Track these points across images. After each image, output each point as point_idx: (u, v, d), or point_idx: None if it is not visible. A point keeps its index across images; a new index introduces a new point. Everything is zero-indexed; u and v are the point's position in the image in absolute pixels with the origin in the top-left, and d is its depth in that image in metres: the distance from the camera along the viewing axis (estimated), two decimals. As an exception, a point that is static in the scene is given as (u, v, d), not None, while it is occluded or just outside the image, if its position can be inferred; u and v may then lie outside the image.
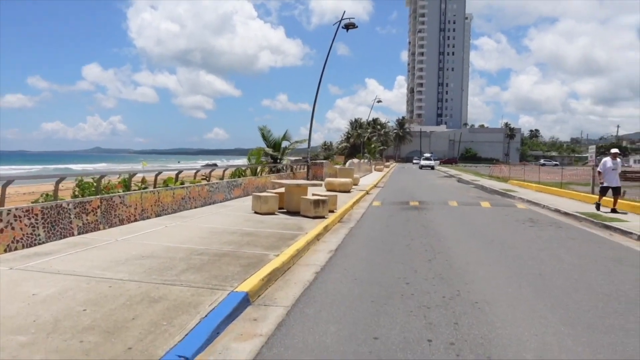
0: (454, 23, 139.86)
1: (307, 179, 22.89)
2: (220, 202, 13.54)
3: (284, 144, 22.92)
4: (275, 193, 12.11)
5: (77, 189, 8.71)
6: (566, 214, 12.80)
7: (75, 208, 7.65)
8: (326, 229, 9.74)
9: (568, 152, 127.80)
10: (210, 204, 12.79)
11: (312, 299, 5.10)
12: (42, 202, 7.76)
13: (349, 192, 19.08)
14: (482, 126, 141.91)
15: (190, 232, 8.38)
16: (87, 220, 7.90)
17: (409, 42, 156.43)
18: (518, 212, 13.61)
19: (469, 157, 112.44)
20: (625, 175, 29.39)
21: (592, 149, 16.88)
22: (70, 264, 5.83)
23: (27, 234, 6.64)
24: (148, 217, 9.75)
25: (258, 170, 17.97)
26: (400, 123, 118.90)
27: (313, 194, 12.61)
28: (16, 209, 6.53)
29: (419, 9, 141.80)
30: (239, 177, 15.75)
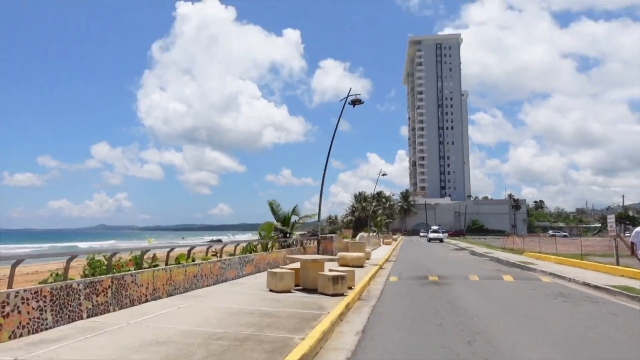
0: (451, 100, 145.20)
1: (318, 254, 22.31)
2: (233, 279, 12.98)
3: (293, 218, 22.63)
4: (290, 269, 11.61)
5: (87, 267, 8.29)
6: (597, 287, 12.14)
7: (85, 289, 7.21)
8: (348, 308, 9.15)
9: (575, 223, 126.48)
10: (222, 282, 12.24)
11: (351, 391, 4.53)
12: (51, 282, 7.33)
13: (362, 266, 18.45)
14: (486, 198, 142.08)
15: (206, 313, 7.83)
16: (97, 301, 7.42)
17: (409, 118, 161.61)
18: (544, 286, 12.94)
19: (476, 229, 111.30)
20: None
21: (612, 218, 16.45)
22: (80, 352, 5.30)
23: (34, 318, 6.16)
24: (159, 297, 9.21)
25: (269, 245, 17.50)
26: (405, 196, 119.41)
27: (329, 270, 12.08)
28: (24, 290, 6.11)
29: (416, 87, 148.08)
30: (250, 252, 15.28)
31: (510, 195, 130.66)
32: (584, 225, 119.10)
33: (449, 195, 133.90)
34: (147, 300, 8.78)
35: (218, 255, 14.07)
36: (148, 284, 8.89)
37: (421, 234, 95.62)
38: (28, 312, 6.09)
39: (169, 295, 9.60)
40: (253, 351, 5.51)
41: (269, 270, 11.17)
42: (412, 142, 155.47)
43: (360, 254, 19.36)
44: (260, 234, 18.22)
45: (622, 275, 14.16)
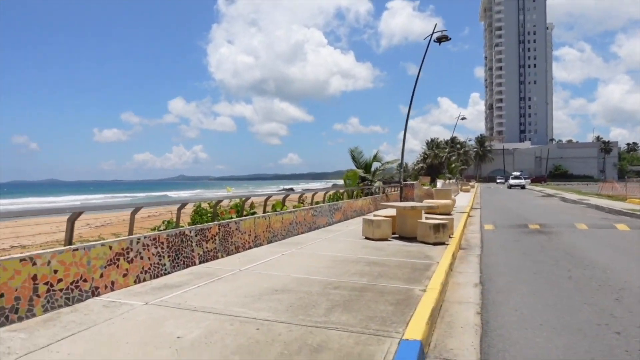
0: (534, 34, 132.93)
1: (400, 201, 21.76)
2: (324, 226, 12.86)
3: (375, 165, 22.06)
4: (386, 216, 11.19)
5: (195, 215, 8.39)
6: None
7: (196, 235, 7.26)
8: (454, 257, 8.62)
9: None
10: (315, 229, 12.15)
11: (502, 351, 4.05)
12: (164, 229, 7.46)
13: (449, 214, 17.67)
14: (570, 141, 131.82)
15: (312, 261, 7.67)
16: (207, 248, 7.48)
17: (485, 57, 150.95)
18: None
19: (559, 175, 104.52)
20: None
21: None
22: (205, 298, 5.27)
23: (154, 263, 6.26)
24: (260, 244, 9.23)
25: (354, 193, 17.19)
26: (480, 141, 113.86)
27: (426, 218, 11.52)
28: (145, 237, 6.19)
29: (494, 23, 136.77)
30: (337, 200, 15.04)
31: (598, 138, 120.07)
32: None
33: (529, 140, 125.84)
34: (249, 247, 8.80)
35: (307, 203, 13.96)
36: (250, 231, 8.88)
37: (498, 181, 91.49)
38: (149, 258, 6.19)
39: (269, 242, 9.61)
40: (377, 302, 5.18)
41: (365, 217, 10.83)
42: (488, 83, 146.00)
43: (448, 202, 18.53)
44: (345, 182, 17.91)
45: None
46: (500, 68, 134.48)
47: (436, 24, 20.72)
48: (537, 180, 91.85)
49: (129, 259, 5.85)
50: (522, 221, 15.29)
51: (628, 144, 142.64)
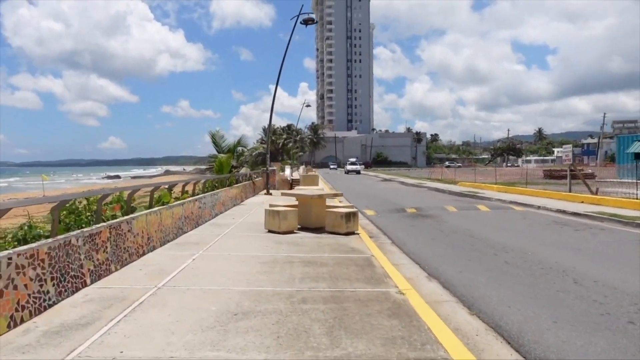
0: (360, 32, 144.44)
1: (267, 188, 20.85)
2: (209, 220, 11.21)
3: (238, 150, 20.65)
4: (290, 206, 10.17)
5: (70, 216, 6.07)
6: (578, 214, 12.49)
7: (85, 244, 5.19)
8: (378, 248, 8.13)
9: (466, 154, 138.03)
10: (202, 224, 10.45)
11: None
12: (17, 237, 5.18)
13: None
14: (387, 131, 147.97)
15: (237, 266, 6.26)
16: (98, 260, 5.45)
17: (317, 49, 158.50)
18: (530, 215, 13.11)
19: (380, 161, 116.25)
20: (552, 174, 31.42)
21: (569, 147, 17.20)
22: (144, 343, 3.59)
23: (34, 292, 4.16)
24: (154, 247, 7.33)
25: (229, 181, 15.58)
26: (314, 129, 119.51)
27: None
28: (16, 253, 4.05)
29: (325, 17, 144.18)
30: (213, 189, 13.34)
31: (408, 129, 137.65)
32: (474, 157, 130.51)
33: (356, 129, 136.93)
34: (144, 253, 6.88)
35: (188, 193, 11.97)
36: (143, 232, 6.94)
37: (331, 167, 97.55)
38: (26, 286, 4.08)
39: (162, 243, 7.73)
40: (372, 316, 4.25)
41: (269, 209, 9.62)
42: (320, 74, 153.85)
43: (321, 188, 18.33)
44: (216, 169, 16.10)
45: (582, 202, 14.94)
46: (331, 61, 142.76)
47: (302, 5, 20.14)
48: (364, 165, 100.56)
49: (-3, 292, 3.73)
50: (394, 205, 15.86)
51: (431, 135, 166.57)
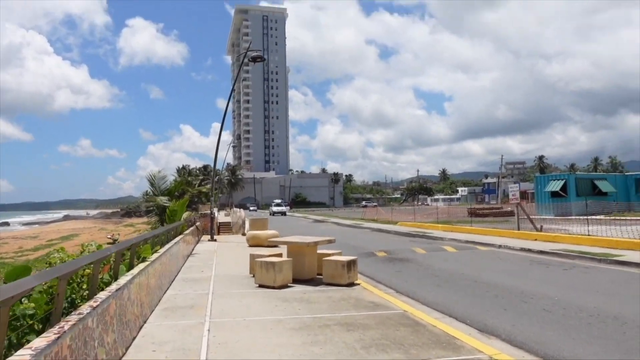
0: (277, 74, 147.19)
1: (212, 234, 19.25)
2: (176, 275, 9.70)
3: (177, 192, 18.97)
4: (275, 255, 9.12)
5: (73, 284, 4.50)
6: (545, 252, 12.82)
7: (98, 325, 3.86)
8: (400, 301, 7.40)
9: (380, 194, 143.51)
10: (174, 280, 8.97)
11: None
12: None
13: (277, 246, 16.42)
14: (303, 172, 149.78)
15: (274, 338, 5.17)
16: (108, 343, 4.09)
17: (233, 90, 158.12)
18: (501, 255, 13.23)
19: (299, 202, 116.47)
20: (476, 212, 33.23)
21: (515, 187, 18.07)
22: None
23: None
24: (146, 316, 5.91)
25: (181, 228, 13.93)
26: (232, 170, 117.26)
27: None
28: (38, 350, 2.73)
29: (242, 58, 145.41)
30: (169, 239, 11.72)
31: (323, 170, 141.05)
32: (388, 196, 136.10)
33: (273, 170, 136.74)
34: (141, 325, 5.47)
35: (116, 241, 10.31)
36: (137, 299, 5.54)
37: (250, 208, 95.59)
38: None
39: (151, 310, 6.30)
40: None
41: (261, 260, 8.47)
42: (236, 114, 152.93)
43: (273, 232, 17.26)
44: (167, 216, 14.31)
45: (536, 239, 15.54)
46: (248, 101, 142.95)
47: (250, 41, 19.67)
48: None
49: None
50: (358, 249, 15.25)
51: (346, 175, 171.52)
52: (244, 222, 23.88)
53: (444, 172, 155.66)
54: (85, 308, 3.85)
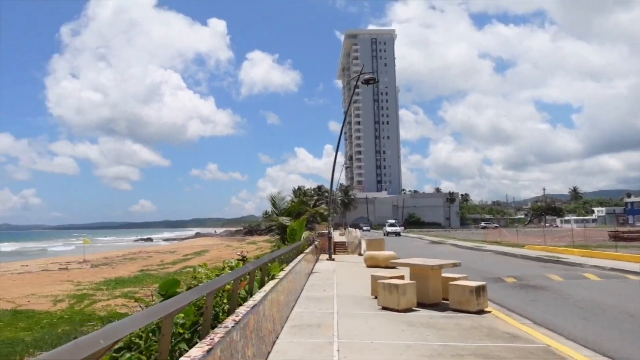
0: (387, 94, 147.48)
1: (330, 253, 19.62)
2: (300, 293, 10.00)
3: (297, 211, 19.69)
4: (396, 277, 8.93)
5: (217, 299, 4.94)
6: None
7: (240, 339, 4.08)
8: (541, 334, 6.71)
9: (501, 214, 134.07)
10: (299, 299, 9.26)
11: None
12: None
13: (395, 267, 16.08)
14: (416, 192, 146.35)
15: (403, 362, 4.99)
16: (249, 356, 4.30)
17: (345, 112, 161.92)
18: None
19: (413, 222, 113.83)
20: (621, 236, 29.21)
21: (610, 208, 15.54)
22: None
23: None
24: (278, 333, 6.15)
25: (302, 247, 14.46)
26: (345, 190, 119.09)
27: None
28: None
29: (352, 82, 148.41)
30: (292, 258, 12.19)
31: (437, 189, 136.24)
32: (510, 217, 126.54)
33: (385, 190, 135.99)
34: (274, 341, 5.70)
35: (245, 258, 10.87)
36: (271, 315, 5.80)
37: (364, 228, 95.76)
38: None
39: (282, 326, 6.54)
40: None
41: (384, 281, 8.37)
42: (348, 136, 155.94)
43: (391, 253, 17.00)
44: (289, 234, 15.01)
45: None
46: (359, 123, 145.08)
47: (363, 65, 20.00)
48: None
49: None
50: (483, 273, 14.29)
51: (462, 195, 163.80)
52: (360, 242, 23.91)
53: (575, 190, 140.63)
54: (229, 322, 4.10)
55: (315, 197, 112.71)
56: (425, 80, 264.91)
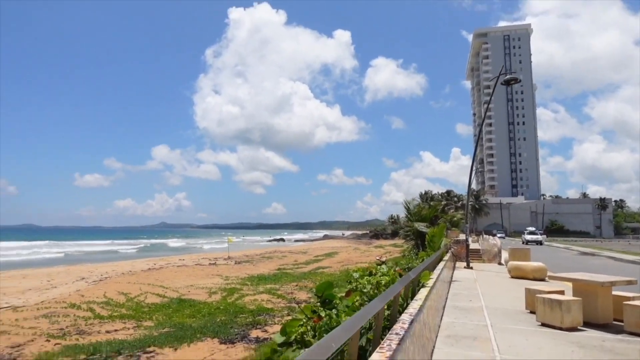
0: (522, 93, 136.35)
1: (468, 262, 18.76)
2: (444, 303, 9.72)
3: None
4: (557, 292, 8.17)
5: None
6: None
7: (410, 346, 4.11)
8: None
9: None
10: (445, 307, 9.01)
11: None
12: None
13: (545, 280, 14.71)
14: (558, 197, 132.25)
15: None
16: (416, 365, 4.31)
17: (474, 114, 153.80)
18: None
19: (555, 230, 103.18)
20: None
21: None
22: None
23: None
24: (434, 342, 6.05)
25: (441, 254, 14.13)
26: (476, 195, 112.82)
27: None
28: None
29: (482, 82, 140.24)
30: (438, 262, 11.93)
31: (584, 195, 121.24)
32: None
33: (522, 195, 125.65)
34: (432, 351, 5.63)
35: (384, 263, 10.84)
36: (426, 322, 5.73)
37: (498, 235, 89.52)
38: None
39: (436, 335, 6.43)
40: None
41: (544, 296, 7.74)
42: (478, 138, 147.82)
43: (540, 265, 15.60)
44: (428, 241, 14.82)
45: None
46: (490, 124, 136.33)
47: (503, 65, 18.79)
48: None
49: None
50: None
51: (615, 201, 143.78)
52: (499, 251, 22.45)
53: None
54: (398, 329, 4.15)
55: (444, 202, 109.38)
56: (567, 75, 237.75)
